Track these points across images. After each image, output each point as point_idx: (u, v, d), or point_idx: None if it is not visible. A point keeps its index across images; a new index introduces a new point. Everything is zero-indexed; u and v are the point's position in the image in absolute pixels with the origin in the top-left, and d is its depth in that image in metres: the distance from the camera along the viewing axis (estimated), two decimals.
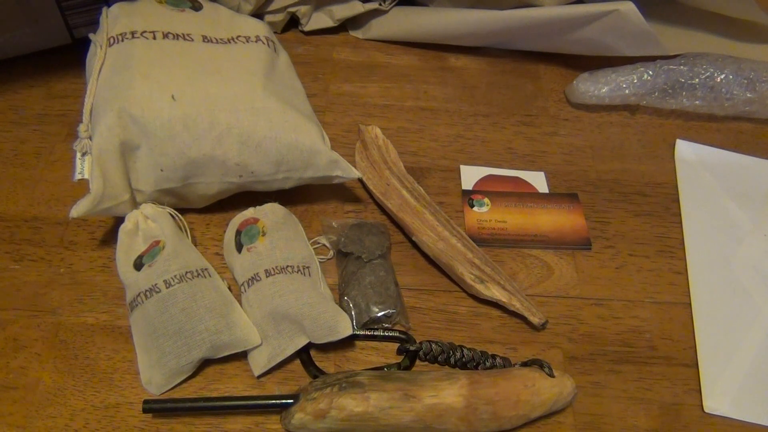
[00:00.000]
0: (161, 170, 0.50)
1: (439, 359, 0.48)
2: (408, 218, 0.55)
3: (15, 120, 0.63)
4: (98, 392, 0.46)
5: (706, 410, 0.48)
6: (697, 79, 0.66)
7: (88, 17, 0.62)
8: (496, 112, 0.69)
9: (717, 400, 0.48)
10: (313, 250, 0.52)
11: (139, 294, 0.47)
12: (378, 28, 0.74)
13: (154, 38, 0.54)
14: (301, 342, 0.47)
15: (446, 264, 0.53)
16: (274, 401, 0.44)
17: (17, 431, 0.44)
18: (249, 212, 0.53)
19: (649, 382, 0.49)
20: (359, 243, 0.53)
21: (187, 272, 0.48)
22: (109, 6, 0.58)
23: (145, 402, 0.43)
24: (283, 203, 0.54)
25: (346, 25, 0.76)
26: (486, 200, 0.60)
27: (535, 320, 0.50)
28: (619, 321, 0.53)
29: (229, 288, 0.50)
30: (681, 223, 0.60)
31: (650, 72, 0.67)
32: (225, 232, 0.53)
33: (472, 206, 0.59)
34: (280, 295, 0.47)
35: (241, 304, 0.49)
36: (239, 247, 0.51)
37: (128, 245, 0.50)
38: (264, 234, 0.51)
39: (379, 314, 0.50)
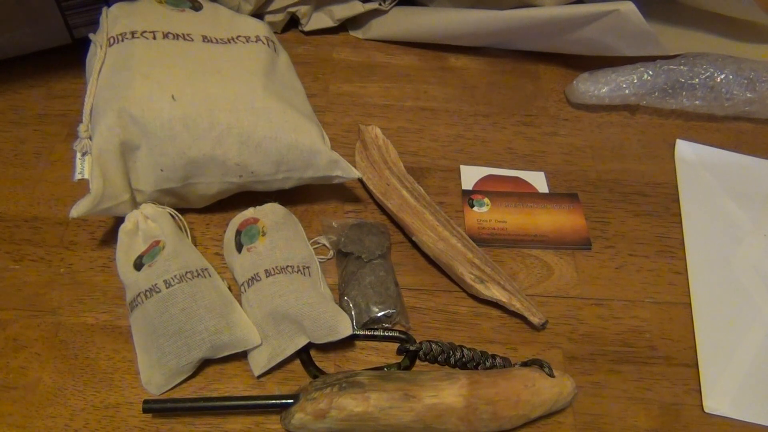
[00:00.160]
0: (161, 170, 0.50)
1: (439, 359, 0.48)
2: (408, 218, 0.55)
3: (15, 120, 0.63)
4: (98, 392, 0.46)
5: (706, 410, 0.48)
6: (697, 79, 0.66)
7: (88, 17, 0.62)
8: (496, 112, 0.69)
9: (717, 400, 0.48)
10: (313, 250, 0.52)
11: (139, 294, 0.47)
12: (378, 28, 0.74)
13: (154, 38, 0.54)
14: (301, 342, 0.47)
15: (446, 264, 0.53)
16: (274, 401, 0.44)
17: (17, 431, 0.44)
18: (249, 212, 0.53)
19: (649, 382, 0.49)
20: (359, 243, 0.53)
21: (187, 272, 0.48)
22: (109, 6, 0.58)
23: (145, 402, 0.43)
24: (283, 203, 0.54)
25: (346, 25, 0.76)
26: (486, 200, 0.60)
27: (535, 320, 0.50)
28: (619, 321, 0.53)
29: (229, 288, 0.50)
30: (681, 223, 0.60)
31: (650, 72, 0.67)
32: (225, 232, 0.53)
33: (472, 206, 0.59)
34: (280, 295, 0.47)
35: (241, 304, 0.49)
36: (239, 247, 0.51)
37: (128, 245, 0.50)
38: (264, 234, 0.51)
39: (379, 314, 0.50)
